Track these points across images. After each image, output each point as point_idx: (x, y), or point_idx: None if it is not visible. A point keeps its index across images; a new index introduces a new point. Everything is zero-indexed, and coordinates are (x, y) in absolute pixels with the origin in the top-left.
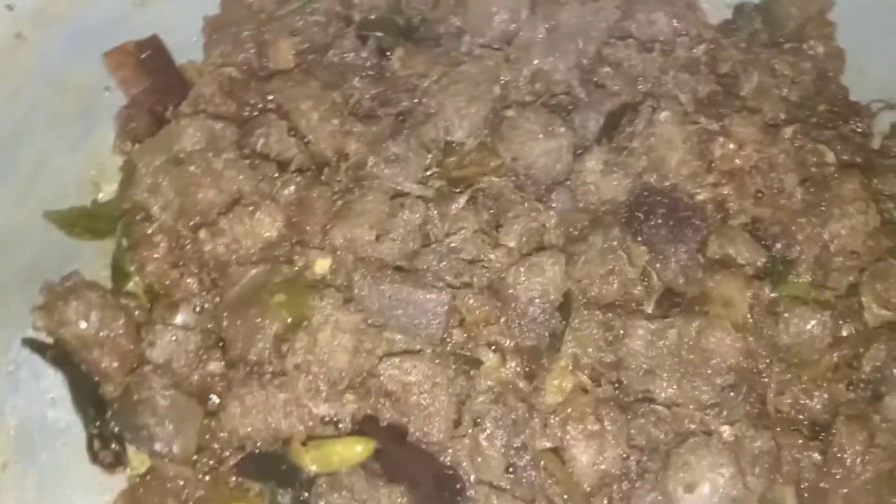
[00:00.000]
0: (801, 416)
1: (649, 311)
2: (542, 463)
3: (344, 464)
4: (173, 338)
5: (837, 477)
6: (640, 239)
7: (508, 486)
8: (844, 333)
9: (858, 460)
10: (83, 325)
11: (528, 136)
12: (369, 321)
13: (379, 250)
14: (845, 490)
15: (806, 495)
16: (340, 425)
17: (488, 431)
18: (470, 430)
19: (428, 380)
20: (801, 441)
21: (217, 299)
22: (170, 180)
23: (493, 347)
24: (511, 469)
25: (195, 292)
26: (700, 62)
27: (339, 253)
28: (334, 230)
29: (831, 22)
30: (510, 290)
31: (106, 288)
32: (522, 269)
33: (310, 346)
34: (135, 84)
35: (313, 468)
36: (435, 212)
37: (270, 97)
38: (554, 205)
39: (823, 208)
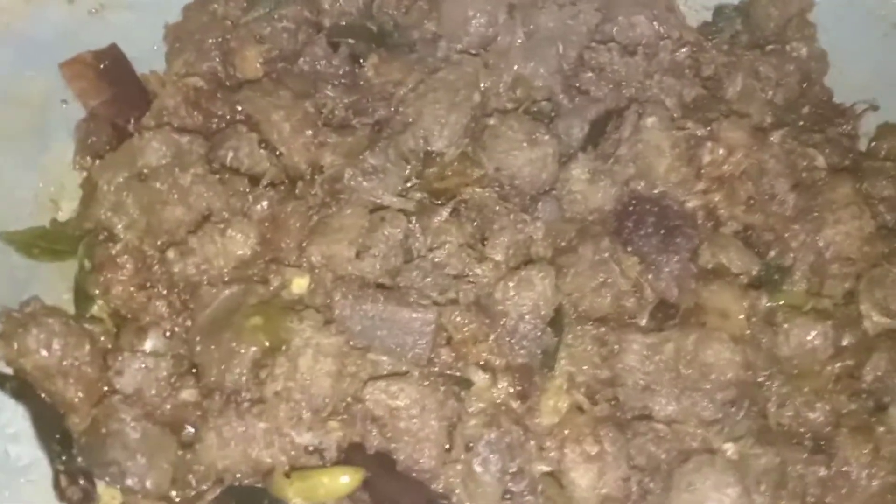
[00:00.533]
0: (802, 430)
1: (643, 324)
2: (540, 488)
3: (330, 496)
4: (143, 365)
5: (843, 491)
6: (629, 249)
7: None
8: (845, 343)
9: (864, 473)
10: (45, 353)
11: (511, 145)
12: (352, 343)
13: (359, 267)
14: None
15: None
16: (326, 454)
17: (482, 456)
18: (462, 456)
19: (416, 404)
20: (805, 455)
21: (188, 323)
22: (134, 197)
23: (482, 367)
24: (508, 496)
25: (164, 316)
26: (684, 66)
27: (317, 271)
28: (311, 247)
29: (812, 23)
30: (499, 307)
31: (68, 313)
32: (511, 284)
33: (290, 371)
34: (94, 96)
35: (297, 501)
36: (417, 225)
37: (239, 108)
38: (540, 215)
39: (816, 214)
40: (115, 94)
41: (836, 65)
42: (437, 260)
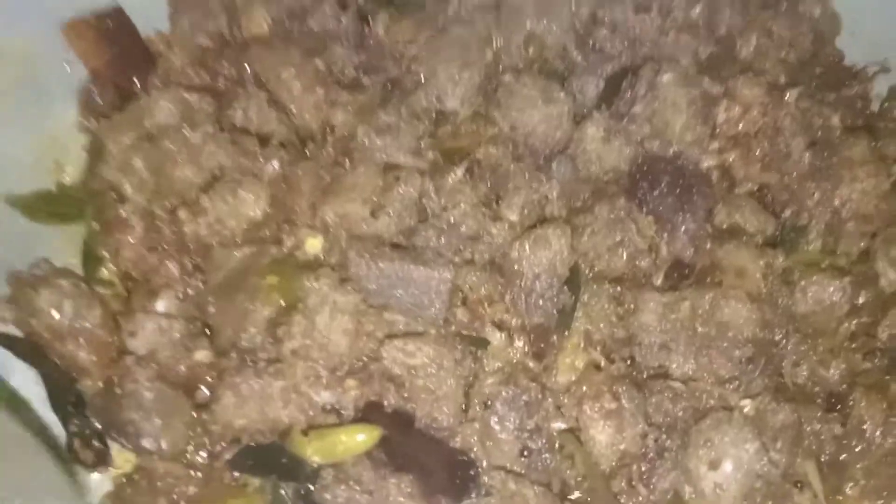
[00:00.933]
0: (817, 388)
1: (658, 284)
2: (558, 445)
3: (348, 453)
4: (157, 326)
5: (857, 449)
6: (644, 210)
7: (524, 471)
8: (861, 301)
9: (878, 431)
10: (56, 315)
11: (526, 103)
12: (369, 301)
13: (374, 226)
14: (865, 462)
15: (825, 469)
16: (343, 413)
17: (500, 414)
18: (480, 414)
19: (434, 362)
20: (820, 413)
21: (201, 285)
22: (143, 158)
23: (499, 326)
24: (525, 452)
25: (176, 278)
26: (699, 24)
27: (331, 231)
28: (325, 206)
29: None
30: (514, 266)
31: (79, 275)
32: (527, 244)
33: (307, 329)
34: (97, 57)
35: (316, 459)
36: (431, 185)
37: (248, 67)
38: (554, 175)
39: (832, 172)
40: (118, 54)
41: (847, 27)
42: (452, 220)
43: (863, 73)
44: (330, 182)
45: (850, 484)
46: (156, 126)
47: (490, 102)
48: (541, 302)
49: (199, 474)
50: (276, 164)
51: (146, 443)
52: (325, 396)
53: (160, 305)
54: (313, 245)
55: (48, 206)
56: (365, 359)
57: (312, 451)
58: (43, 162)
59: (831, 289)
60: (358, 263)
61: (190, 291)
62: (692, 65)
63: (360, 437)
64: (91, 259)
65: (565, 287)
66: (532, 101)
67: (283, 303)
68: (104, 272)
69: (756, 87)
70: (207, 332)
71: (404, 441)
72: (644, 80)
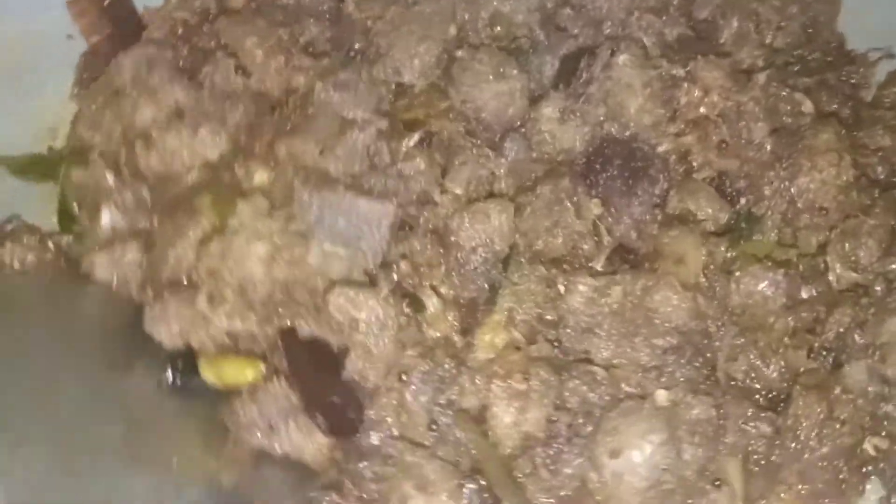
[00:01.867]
0: (756, 385)
1: (598, 268)
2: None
3: (236, 383)
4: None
5: (791, 450)
6: (594, 191)
7: (430, 444)
8: (804, 296)
9: (814, 433)
10: (17, 266)
11: (478, 79)
12: (292, 228)
13: (323, 164)
14: (799, 465)
15: (756, 469)
16: (256, 338)
17: (414, 386)
18: (395, 385)
19: (378, 321)
20: (750, 411)
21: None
22: (111, 112)
23: (436, 292)
24: (434, 426)
25: (111, 187)
26: (671, 4)
27: (280, 165)
28: (279, 143)
29: None
30: (453, 238)
31: (46, 232)
32: (467, 216)
33: (224, 251)
34: (95, 32)
35: (213, 381)
36: (385, 145)
37: (219, 38)
38: (507, 153)
39: (793, 160)
40: (116, 29)
41: (853, 8)
42: (401, 172)
43: (863, 59)
44: (289, 129)
45: (784, 487)
46: (122, 83)
47: (446, 76)
48: (474, 276)
49: None
50: (241, 108)
51: None
52: (227, 323)
53: (105, 219)
54: (261, 177)
55: (36, 168)
56: (284, 287)
57: (212, 376)
58: (38, 130)
59: (765, 282)
60: (302, 191)
61: (130, 202)
62: (657, 45)
63: (246, 372)
64: (65, 215)
65: (500, 264)
66: (484, 76)
67: (211, 224)
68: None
69: (716, 70)
70: None
71: (309, 369)
72: (599, 59)
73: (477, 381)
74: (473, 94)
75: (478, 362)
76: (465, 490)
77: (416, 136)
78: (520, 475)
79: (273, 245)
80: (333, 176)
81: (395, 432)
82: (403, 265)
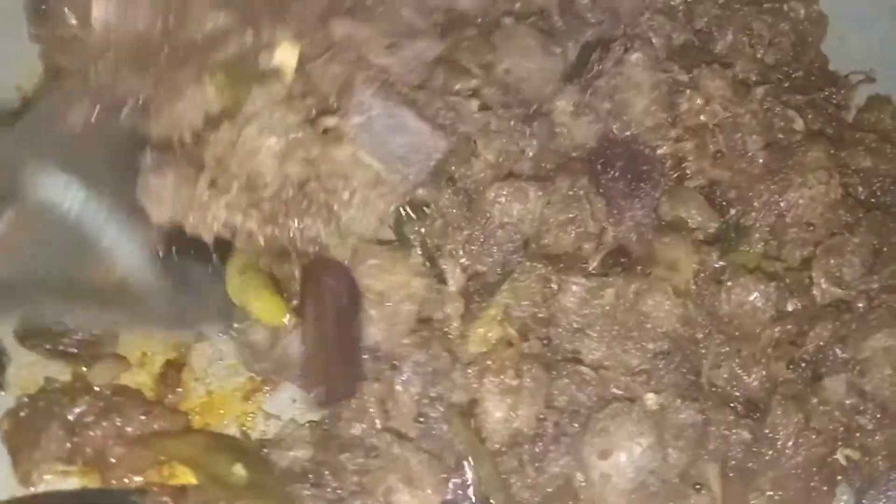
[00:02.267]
0: (736, 393)
1: (591, 269)
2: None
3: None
4: None
5: (767, 458)
6: (599, 192)
7: (416, 436)
8: (790, 308)
9: (790, 442)
10: None
11: (526, 50)
12: (357, 140)
13: (389, 63)
14: (774, 472)
15: (732, 474)
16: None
17: (406, 377)
18: (386, 373)
19: (403, 289)
20: (731, 418)
21: None
22: None
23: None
24: (421, 419)
25: None
26: (678, 9)
27: (330, 52)
28: (337, 21)
29: None
30: (485, 206)
31: None
32: (506, 189)
33: (232, 139)
34: None
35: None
36: (441, 70)
37: None
38: (536, 133)
39: (783, 175)
40: None
41: (837, 33)
42: (457, 108)
43: (845, 81)
44: (347, 9)
45: (756, 493)
46: None
47: (485, 42)
48: (493, 253)
49: None
50: None
51: None
52: (226, 214)
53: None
54: (286, 52)
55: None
56: (298, 187)
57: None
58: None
59: (756, 293)
60: (363, 90)
61: None
62: (664, 48)
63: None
64: None
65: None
66: (533, 49)
67: (227, 105)
68: None
69: (719, 80)
70: None
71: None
72: (612, 55)
73: (469, 374)
74: (519, 64)
75: (469, 356)
76: (450, 484)
77: (468, 83)
78: (504, 472)
79: (289, 141)
80: (391, 80)
81: (379, 424)
82: (438, 222)
